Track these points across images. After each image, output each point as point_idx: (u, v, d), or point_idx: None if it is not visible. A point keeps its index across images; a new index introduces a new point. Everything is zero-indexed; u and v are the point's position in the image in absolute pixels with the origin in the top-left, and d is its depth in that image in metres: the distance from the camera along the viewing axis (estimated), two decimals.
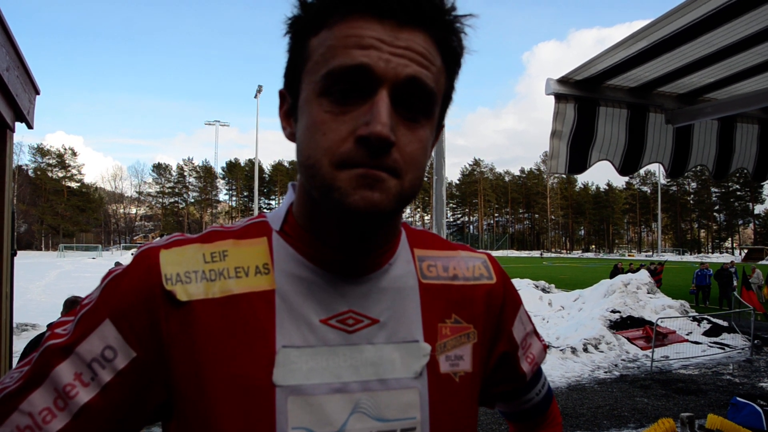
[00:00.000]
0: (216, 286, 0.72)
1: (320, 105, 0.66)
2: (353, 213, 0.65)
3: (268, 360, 0.70)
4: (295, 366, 0.71)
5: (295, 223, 0.78)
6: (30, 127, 3.00)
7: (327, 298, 0.74)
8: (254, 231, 0.79)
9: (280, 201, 0.83)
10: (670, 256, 77.20)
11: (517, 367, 0.94)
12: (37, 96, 3.12)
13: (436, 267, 0.85)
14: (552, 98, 2.50)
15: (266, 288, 0.73)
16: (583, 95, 2.51)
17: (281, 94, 0.79)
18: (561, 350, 10.58)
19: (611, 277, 20.70)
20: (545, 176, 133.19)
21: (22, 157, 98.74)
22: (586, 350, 10.81)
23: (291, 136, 0.76)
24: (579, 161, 2.55)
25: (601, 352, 10.89)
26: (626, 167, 2.69)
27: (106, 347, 0.69)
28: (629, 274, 16.24)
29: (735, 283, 18.54)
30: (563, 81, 2.47)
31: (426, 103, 0.68)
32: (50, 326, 0.74)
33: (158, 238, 0.78)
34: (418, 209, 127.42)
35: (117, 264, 0.80)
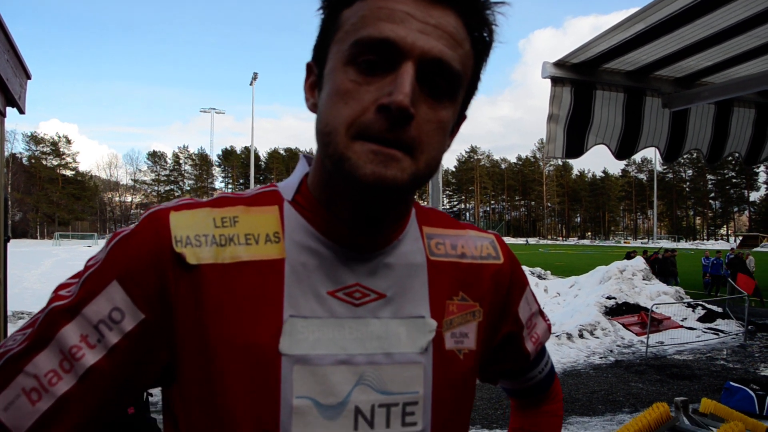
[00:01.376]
0: (226, 252, 0.72)
1: (346, 73, 0.66)
2: (363, 186, 0.64)
3: (275, 328, 0.70)
4: (301, 336, 0.70)
5: (309, 194, 0.77)
6: (21, 112, 2.96)
7: (335, 271, 0.74)
8: (265, 199, 0.78)
9: None
10: (666, 243, 77.43)
11: (521, 347, 0.95)
12: (29, 81, 3.08)
13: (444, 245, 0.84)
14: (548, 82, 2.48)
15: (276, 257, 0.73)
16: (579, 79, 2.49)
17: (308, 66, 0.78)
18: (557, 336, 10.62)
19: None
20: (541, 163, 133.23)
21: (16, 145, 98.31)
22: (581, 336, 10.86)
23: (313, 107, 0.75)
24: (576, 145, 2.54)
25: (597, 338, 10.94)
26: (622, 151, 2.68)
27: (114, 309, 0.68)
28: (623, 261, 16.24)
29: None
30: (560, 64, 2.45)
31: (451, 84, 0.68)
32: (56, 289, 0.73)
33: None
34: (414, 196, 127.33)
35: None
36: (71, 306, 0.68)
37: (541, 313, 1.00)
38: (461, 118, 0.78)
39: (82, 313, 0.68)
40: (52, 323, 0.68)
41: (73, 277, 0.73)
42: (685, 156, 2.90)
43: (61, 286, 0.72)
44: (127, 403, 0.73)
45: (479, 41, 0.71)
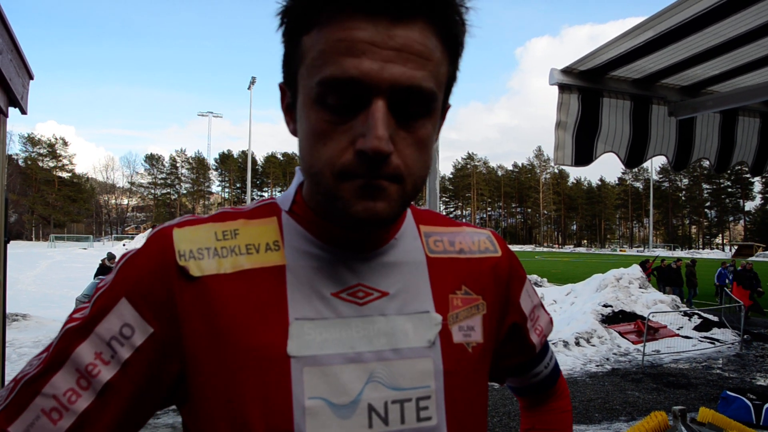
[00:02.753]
0: (228, 262, 0.74)
1: (317, 113, 0.65)
2: (356, 221, 0.67)
3: (281, 332, 0.71)
4: (309, 337, 0.71)
5: (303, 204, 0.79)
6: (24, 112, 2.94)
7: (336, 273, 0.76)
8: (264, 211, 0.81)
9: (273, 193, 0.85)
10: (662, 252, 77.60)
11: (526, 339, 0.96)
12: (31, 81, 3.06)
13: (442, 242, 0.86)
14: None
15: (277, 263, 0.75)
16: (586, 86, 2.50)
17: (281, 87, 0.77)
18: (553, 344, 10.61)
19: None
20: (538, 170, 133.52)
21: (12, 146, 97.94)
22: (578, 344, 10.84)
23: (294, 132, 0.75)
24: (585, 153, 2.53)
25: (593, 345, 10.92)
26: (632, 159, 2.68)
27: (124, 325, 0.70)
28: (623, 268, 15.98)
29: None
30: (567, 71, 2.45)
31: (425, 105, 0.66)
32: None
33: (150, 230, 0.78)
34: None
35: (108, 254, 0.81)
36: (84, 325, 0.70)
37: (542, 306, 1.02)
38: (444, 109, 0.77)
39: (95, 331, 0.70)
40: (67, 344, 0.70)
41: (87, 302, 0.75)
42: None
43: (75, 311, 0.75)
44: (143, 420, 0.74)
45: (451, 39, 0.68)
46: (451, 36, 0.68)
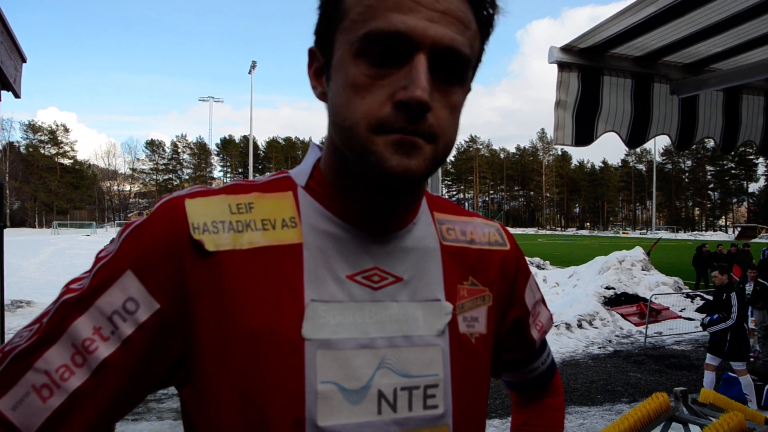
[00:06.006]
0: (243, 238, 0.71)
1: (357, 66, 0.65)
2: (389, 177, 0.65)
3: (297, 313, 0.70)
4: (323, 320, 0.70)
5: (322, 179, 0.77)
6: (17, 96, 2.90)
7: (353, 255, 0.74)
8: (278, 185, 0.78)
9: None
10: (665, 234, 77.61)
11: (527, 334, 0.97)
12: (24, 64, 3.02)
13: (454, 230, 0.86)
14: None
15: (294, 241, 0.73)
16: (586, 64, 2.46)
17: (311, 52, 0.76)
18: (556, 326, 10.65)
19: (695, 263, 18.19)
20: (541, 153, 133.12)
21: (13, 133, 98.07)
22: (580, 326, 10.89)
23: (322, 96, 0.74)
24: (585, 132, 2.50)
25: (596, 328, 10.97)
26: (633, 139, 2.64)
27: (128, 299, 0.66)
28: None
29: None
30: (567, 49, 2.41)
31: (461, 70, 0.68)
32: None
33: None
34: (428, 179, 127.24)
35: (112, 240, 0.77)
36: (83, 297, 0.66)
37: (543, 302, 1.03)
38: (467, 92, 0.78)
39: (95, 304, 0.66)
40: (64, 316, 0.66)
41: (86, 272, 0.71)
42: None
43: (72, 281, 0.71)
44: (138, 400, 0.71)
45: (485, 17, 0.70)
46: (484, 14, 0.70)
